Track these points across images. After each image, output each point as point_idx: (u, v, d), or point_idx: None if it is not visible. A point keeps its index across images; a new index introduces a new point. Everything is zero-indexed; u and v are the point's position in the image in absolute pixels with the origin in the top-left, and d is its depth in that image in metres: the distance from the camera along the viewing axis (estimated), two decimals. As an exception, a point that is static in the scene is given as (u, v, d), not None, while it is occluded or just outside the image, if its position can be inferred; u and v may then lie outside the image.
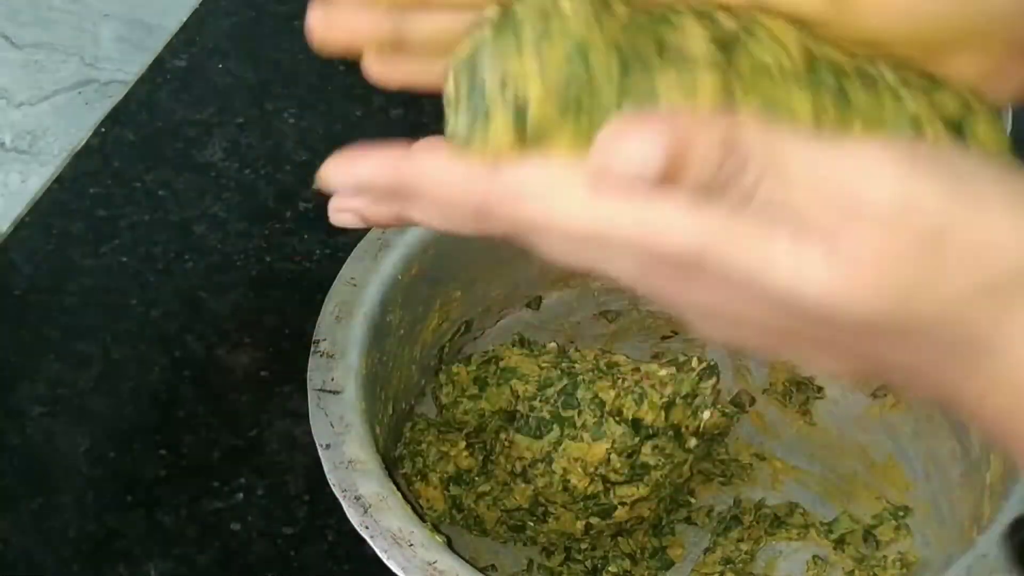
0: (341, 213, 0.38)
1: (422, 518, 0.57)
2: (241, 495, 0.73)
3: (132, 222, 0.87)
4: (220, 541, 0.71)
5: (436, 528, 0.57)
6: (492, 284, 0.72)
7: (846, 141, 0.33)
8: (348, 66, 1.00)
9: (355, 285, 0.65)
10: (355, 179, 0.37)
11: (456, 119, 0.35)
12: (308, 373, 0.61)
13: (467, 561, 0.55)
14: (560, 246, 0.35)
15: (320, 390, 0.61)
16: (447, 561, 0.54)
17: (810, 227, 0.32)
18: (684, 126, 0.32)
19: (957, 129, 0.37)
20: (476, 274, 0.71)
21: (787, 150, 0.32)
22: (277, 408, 0.76)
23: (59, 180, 0.90)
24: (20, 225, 0.87)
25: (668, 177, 0.32)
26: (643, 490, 0.66)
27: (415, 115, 0.92)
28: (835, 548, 0.71)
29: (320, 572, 0.70)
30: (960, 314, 0.33)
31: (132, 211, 0.88)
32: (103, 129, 0.93)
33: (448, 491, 0.69)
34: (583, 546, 0.70)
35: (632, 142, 0.32)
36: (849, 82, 0.36)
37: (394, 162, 0.36)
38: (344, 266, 0.66)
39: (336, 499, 0.56)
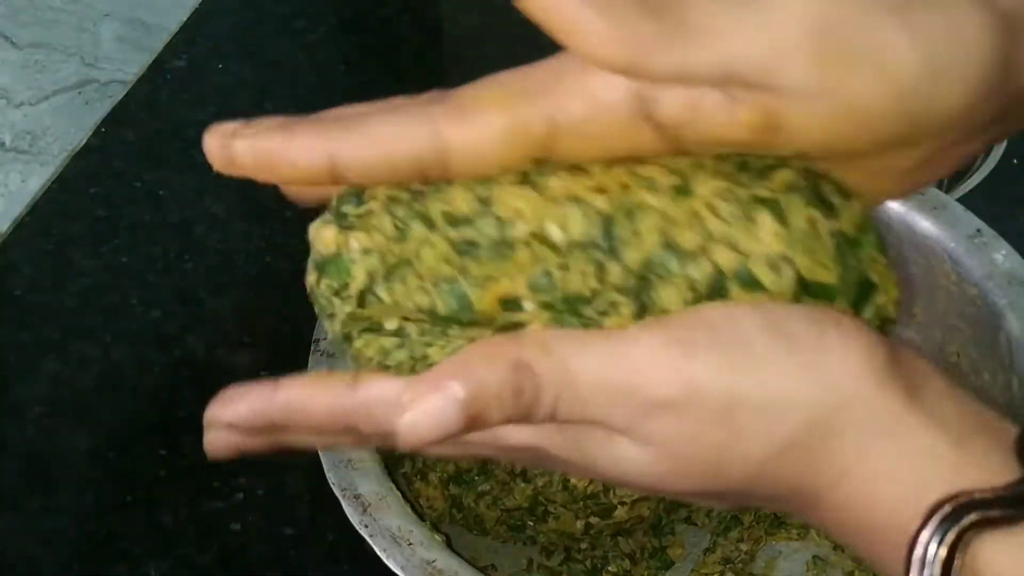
0: (218, 447, 0.40)
1: (421, 517, 0.57)
2: (241, 495, 0.73)
3: (132, 222, 0.87)
4: (220, 541, 0.71)
5: (435, 527, 0.57)
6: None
7: (626, 338, 0.34)
8: (348, 66, 1.00)
9: None
10: (233, 420, 0.39)
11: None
12: (308, 372, 0.61)
13: (467, 560, 0.55)
14: (429, 450, 0.38)
15: None
16: (446, 560, 0.54)
17: (614, 426, 0.34)
18: (471, 376, 0.34)
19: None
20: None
21: (573, 367, 0.34)
22: (277, 408, 0.76)
23: (59, 180, 0.90)
24: (20, 225, 0.87)
25: (474, 420, 0.34)
26: (643, 490, 0.66)
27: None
28: (835, 548, 0.71)
29: (320, 572, 0.70)
30: (771, 472, 0.35)
31: (132, 211, 0.88)
32: (103, 129, 0.93)
33: (448, 490, 0.69)
34: (583, 546, 0.70)
35: (429, 414, 0.34)
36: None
37: (264, 400, 0.38)
38: None
39: (336, 499, 0.56)
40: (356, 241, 0.36)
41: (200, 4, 1.01)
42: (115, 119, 0.94)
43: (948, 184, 0.87)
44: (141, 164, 0.91)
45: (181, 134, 0.92)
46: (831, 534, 0.37)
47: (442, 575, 0.54)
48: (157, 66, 0.97)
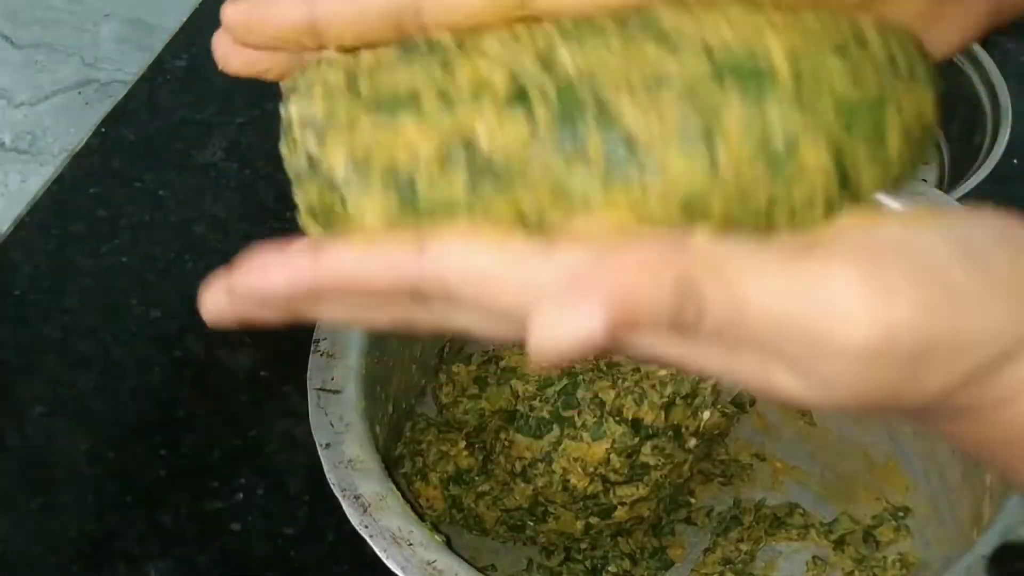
0: (221, 318, 0.34)
1: (422, 518, 0.57)
2: (241, 495, 0.73)
3: (132, 222, 0.87)
4: (220, 541, 0.71)
5: (435, 528, 0.57)
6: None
7: (813, 266, 0.30)
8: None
9: None
10: (267, 293, 0.33)
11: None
12: (308, 373, 0.61)
13: (466, 560, 0.55)
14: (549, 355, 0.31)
15: (320, 389, 0.61)
16: (446, 560, 0.54)
17: (781, 359, 0.31)
18: (625, 289, 0.29)
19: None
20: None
21: (748, 293, 0.30)
22: (277, 408, 0.76)
23: (59, 180, 0.90)
24: (20, 225, 0.87)
25: (621, 340, 0.30)
26: (643, 490, 0.66)
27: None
28: (835, 549, 0.71)
29: (320, 572, 0.70)
30: (942, 400, 0.32)
31: (132, 211, 0.88)
32: (103, 129, 0.93)
33: (448, 491, 0.69)
34: (583, 546, 0.70)
35: (568, 331, 0.29)
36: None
37: (309, 270, 0.33)
38: None
39: (336, 499, 0.56)
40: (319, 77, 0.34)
41: (200, 4, 1.01)
42: (115, 119, 0.94)
43: (948, 184, 0.87)
44: (141, 164, 0.91)
45: (181, 134, 0.92)
46: (958, 441, 0.34)
47: (442, 575, 0.54)
48: (157, 66, 0.97)
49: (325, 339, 0.63)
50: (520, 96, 0.33)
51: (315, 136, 0.33)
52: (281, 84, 0.35)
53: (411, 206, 0.32)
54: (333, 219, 0.34)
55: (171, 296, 0.83)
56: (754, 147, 0.32)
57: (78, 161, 0.91)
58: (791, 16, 0.34)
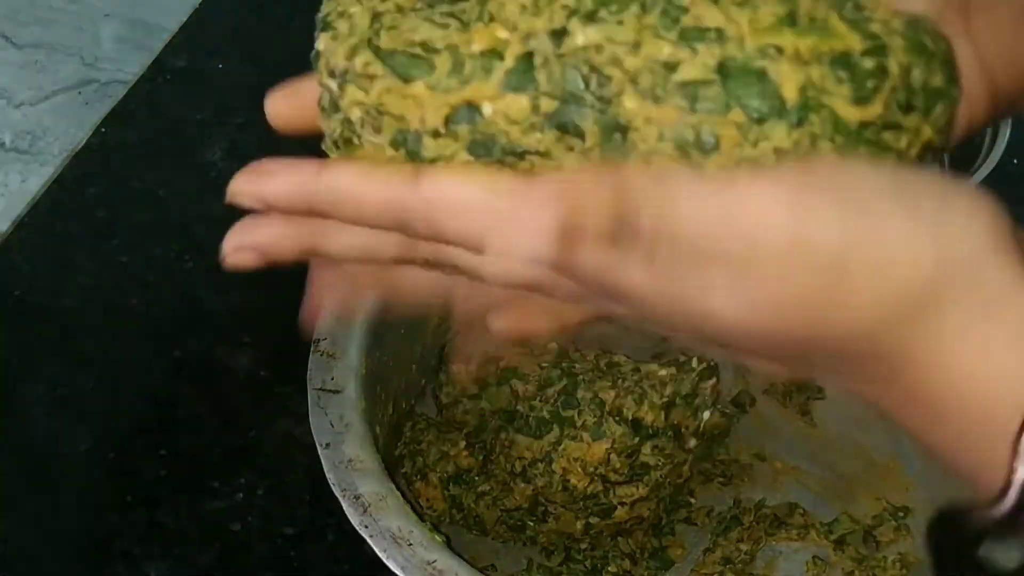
0: (240, 252, 0.37)
1: (421, 518, 0.57)
2: (241, 495, 0.73)
3: (132, 222, 0.87)
4: (220, 541, 0.71)
5: (435, 528, 0.57)
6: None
7: (735, 183, 0.33)
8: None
9: None
10: (267, 194, 0.36)
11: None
12: (308, 372, 0.61)
13: (466, 561, 0.55)
14: (501, 275, 0.35)
15: (320, 389, 0.61)
16: (446, 560, 0.54)
17: (711, 268, 0.33)
18: (570, 193, 0.33)
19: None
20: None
21: (677, 209, 0.32)
22: (277, 408, 0.76)
23: (59, 180, 0.90)
24: (20, 225, 0.87)
25: (567, 245, 0.33)
26: (643, 490, 0.66)
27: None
28: (835, 549, 0.71)
29: (320, 572, 0.70)
30: (869, 330, 0.33)
31: (132, 211, 0.88)
32: (103, 129, 0.93)
33: (448, 491, 0.69)
34: (583, 546, 0.70)
35: (520, 232, 0.33)
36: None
37: (308, 176, 0.35)
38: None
39: (336, 499, 0.56)
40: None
41: (200, 4, 1.01)
42: (115, 119, 0.94)
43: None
44: (141, 164, 0.91)
45: (181, 134, 0.92)
46: (900, 414, 0.35)
47: (442, 575, 0.54)
48: (157, 66, 0.97)
49: (325, 339, 0.63)
50: (527, 68, 0.34)
51: (335, 82, 0.36)
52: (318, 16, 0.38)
53: (417, 158, 0.35)
54: (351, 149, 0.36)
55: (171, 296, 0.83)
56: (740, 157, 0.33)
57: (78, 161, 0.91)
58: (815, 35, 0.34)
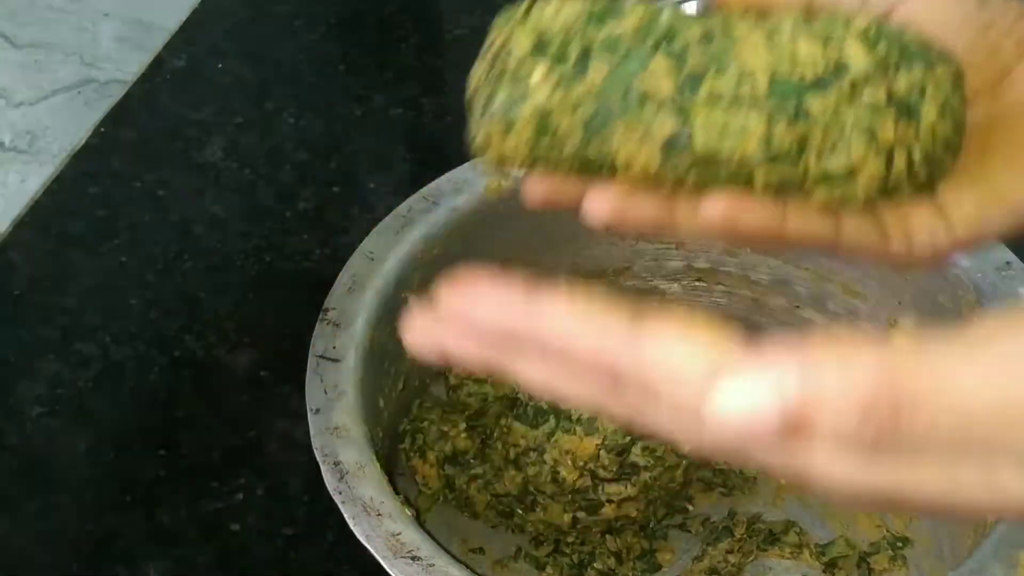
0: (424, 348, 0.34)
1: (397, 491, 0.56)
2: (241, 495, 0.73)
3: (132, 222, 0.87)
4: (220, 541, 0.71)
5: (408, 502, 0.57)
6: (517, 271, 0.72)
7: (1004, 348, 0.29)
8: (348, 66, 1.00)
9: (372, 259, 0.66)
10: (472, 317, 0.32)
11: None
12: (312, 339, 0.61)
13: (432, 537, 0.54)
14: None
15: (321, 356, 0.61)
16: (411, 534, 0.54)
17: (1004, 450, 0.29)
18: (810, 375, 0.28)
19: (908, 111, 0.38)
20: (501, 261, 0.71)
21: (954, 386, 0.28)
22: (277, 408, 0.76)
23: (59, 180, 0.90)
24: (20, 225, 0.87)
25: (797, 430, 0.28)
26: (631, 490, 0.66)
27: (414, 115, 0.92)
28: (825, 571, 0.70)
29: (320, 573, 0.70)
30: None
31: (132, 211, 0.88)
32: (103, 129, 0.93)
33: (443, 470, 0.69)
34: (571, 539, 0.70)
35: (743, 403, 0.28)
36: (809, 94, 0.38)
37: (519, 311, 0.32)
38: (366, 239, 0.67)
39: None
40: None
41: (200, 4, 1.01)
42: (115, 119, 0.94)
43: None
44: (141, 164, 0.91)
45: (181, 134, 0.92)
46: None
47: (404, 548, 0.54)
48: (157, 66, 0.97)
49: (335, 308, 0.63)
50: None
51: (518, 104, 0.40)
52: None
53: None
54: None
55: (171, 296, 0.83)
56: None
57: (78, 161, 0.91)
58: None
